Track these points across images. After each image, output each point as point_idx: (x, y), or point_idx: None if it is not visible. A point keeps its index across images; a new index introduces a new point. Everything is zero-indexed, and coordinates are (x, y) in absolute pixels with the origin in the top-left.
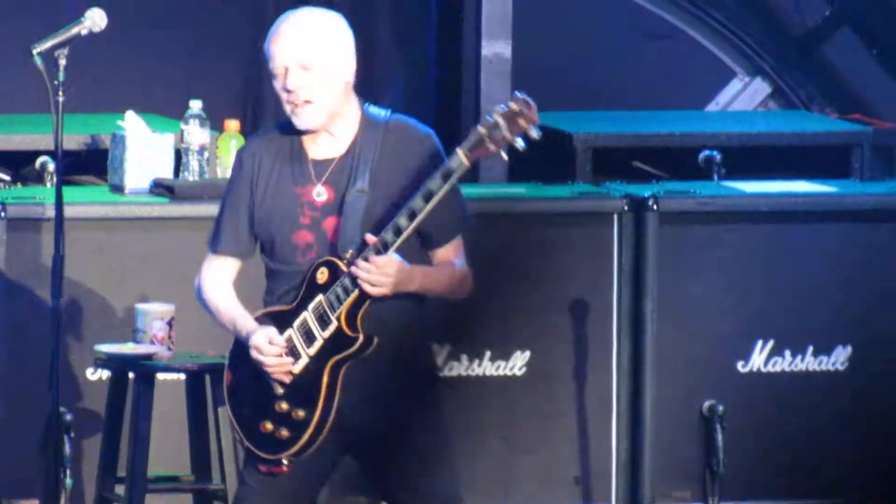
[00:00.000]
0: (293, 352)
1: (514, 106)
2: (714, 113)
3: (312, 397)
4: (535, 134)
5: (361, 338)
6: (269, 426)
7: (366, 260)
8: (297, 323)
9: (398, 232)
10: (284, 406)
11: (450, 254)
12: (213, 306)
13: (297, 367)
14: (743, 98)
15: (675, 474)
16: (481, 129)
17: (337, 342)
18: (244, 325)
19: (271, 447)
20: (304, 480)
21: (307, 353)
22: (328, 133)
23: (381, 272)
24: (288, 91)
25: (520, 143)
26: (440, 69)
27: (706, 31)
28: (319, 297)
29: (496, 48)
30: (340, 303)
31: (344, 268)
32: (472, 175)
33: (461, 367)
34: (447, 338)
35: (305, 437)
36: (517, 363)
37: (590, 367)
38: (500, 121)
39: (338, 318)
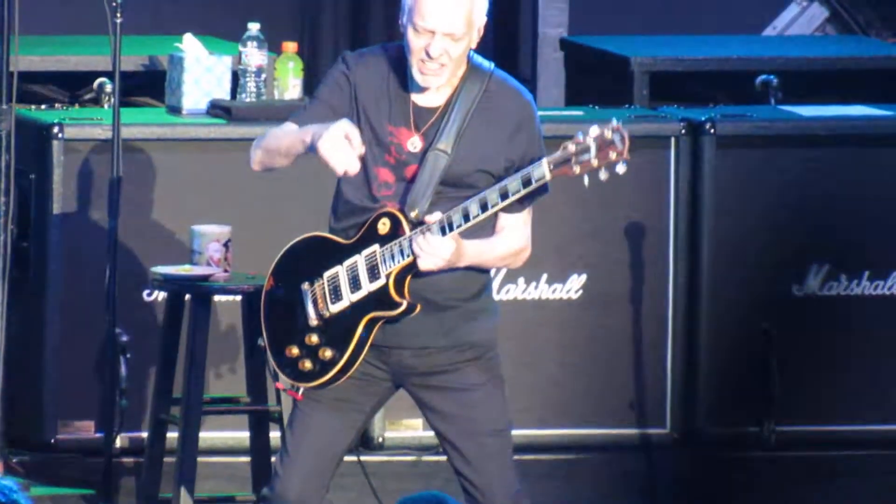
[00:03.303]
0: (336, 291)
1: (607, 134)
2: (771, 37)
3: (343, 342)
4: (622, 169)
5: (404, 305)
6: (294, 352)
7: (425, 233)
8: (346, 263)
9: (466, 218)
10: (315, 340)
11: (513, 222)
12: (276, 134)
13: (336, 308)
14: (800, 23)
15: (730, 398)
16: (570, 148)
17: (380, 299)
18: (312, 129)
19: (292, 373)
20: (357, 402)
21: (349, 297)
22: None
23: (436, 252)
24: (428, 55)
25: (603, 175)
26: None
27: None
28: (375, 248)
29: None
30: (394, 262)
31: (406, 227)
32: None
33: (517, 290)
34: None
35: (326, 377)
36: (573, 286)
37: (646, 291)
38: (592, 146)
39: (387, 276)
